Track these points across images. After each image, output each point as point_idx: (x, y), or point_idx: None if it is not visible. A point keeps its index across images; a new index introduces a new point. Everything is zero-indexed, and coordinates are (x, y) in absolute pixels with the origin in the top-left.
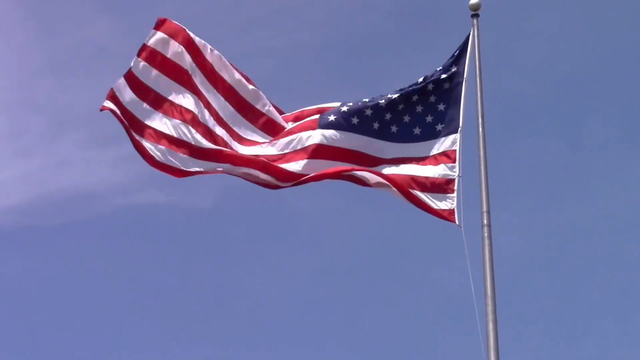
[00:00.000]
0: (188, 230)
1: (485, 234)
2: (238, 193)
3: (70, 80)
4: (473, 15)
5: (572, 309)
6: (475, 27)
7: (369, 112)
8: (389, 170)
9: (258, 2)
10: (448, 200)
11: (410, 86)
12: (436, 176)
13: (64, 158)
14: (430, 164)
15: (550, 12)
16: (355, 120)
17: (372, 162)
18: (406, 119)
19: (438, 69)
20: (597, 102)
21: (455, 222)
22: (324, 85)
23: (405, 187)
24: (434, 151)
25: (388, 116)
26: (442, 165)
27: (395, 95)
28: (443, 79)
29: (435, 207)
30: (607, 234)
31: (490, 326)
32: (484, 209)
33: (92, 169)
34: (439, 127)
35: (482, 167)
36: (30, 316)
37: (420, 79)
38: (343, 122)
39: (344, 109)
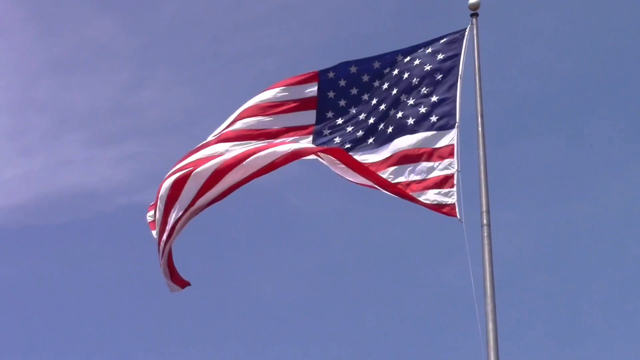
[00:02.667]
0: (188, 230)
1: (485, 234)
2: (238, 192)
3: (72, 79)
4: (472, 15)
5: (572, 309)
6: (475, 26)
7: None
8: (385, 174)
9: (259, 1)
10: (448, 195)
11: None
12: (434, 174)
13: (66, 157)
14: (428, 160)
15: (550, 10)
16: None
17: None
18: (398, 114)
19: (421, 49)
20: (597, 100)
21: (456, 217)
22: None
23: (403, 189)
24: (431, 145)
25: (381, 125)
26: (439, 162)
27: (383, 106)
28: (433, 68)
29: (435, 203)
30: (608, 232)
31: (490, 326)
32: (484, 208)
33: (93, 168)
34: (434, 118)
35: (482, 167)
36: (30, 316)
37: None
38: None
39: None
